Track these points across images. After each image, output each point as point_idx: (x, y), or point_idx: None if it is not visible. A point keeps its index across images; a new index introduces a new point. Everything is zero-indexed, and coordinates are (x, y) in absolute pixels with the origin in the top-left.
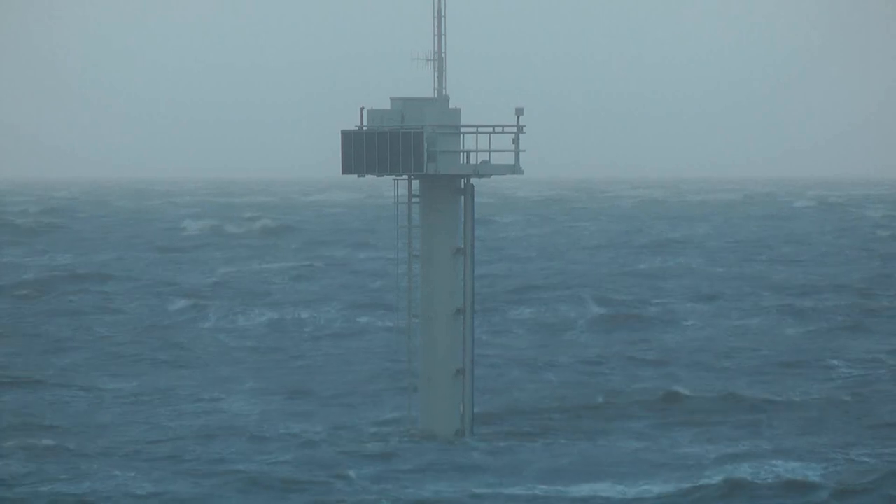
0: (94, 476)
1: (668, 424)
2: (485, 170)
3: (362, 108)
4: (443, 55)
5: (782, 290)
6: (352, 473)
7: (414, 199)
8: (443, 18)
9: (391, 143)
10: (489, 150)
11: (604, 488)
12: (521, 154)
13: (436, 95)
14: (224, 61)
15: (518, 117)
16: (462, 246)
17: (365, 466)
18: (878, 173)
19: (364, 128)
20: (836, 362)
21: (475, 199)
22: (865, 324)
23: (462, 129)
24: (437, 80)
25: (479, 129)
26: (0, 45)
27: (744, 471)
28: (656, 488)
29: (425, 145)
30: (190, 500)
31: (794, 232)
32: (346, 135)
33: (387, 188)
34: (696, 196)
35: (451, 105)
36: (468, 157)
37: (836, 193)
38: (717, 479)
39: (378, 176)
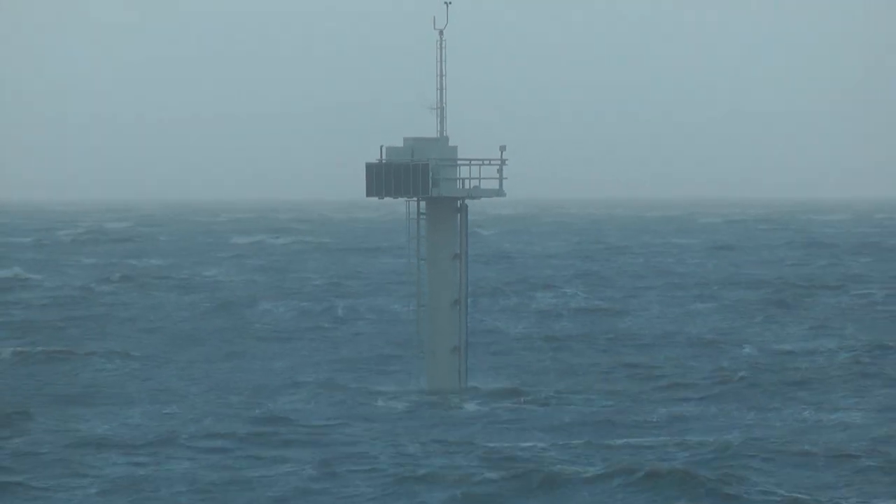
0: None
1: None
2: (476, 193)
3: (381, 146)
4: (444, 105)
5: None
6: (373, 421)
7: (421, 216)
8: (443, 77)
9: (404, 173)
10: (479, 178)
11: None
12: (502, 180)
13: (438, 136)
14: (260, 107)
15: (501, 153)
16: (458, 252)
17: (382, 419)
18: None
19: (383, 161)
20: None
21: (468, 216)
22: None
23: (458, 162)
24: (439, 124)
25: (472, 162)
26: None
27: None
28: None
29: (430, 175)
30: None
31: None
32: (369, 166)
33: (399, 207)
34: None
35: (450, 143)
36: (463, 184)
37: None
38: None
39: (394, 198)
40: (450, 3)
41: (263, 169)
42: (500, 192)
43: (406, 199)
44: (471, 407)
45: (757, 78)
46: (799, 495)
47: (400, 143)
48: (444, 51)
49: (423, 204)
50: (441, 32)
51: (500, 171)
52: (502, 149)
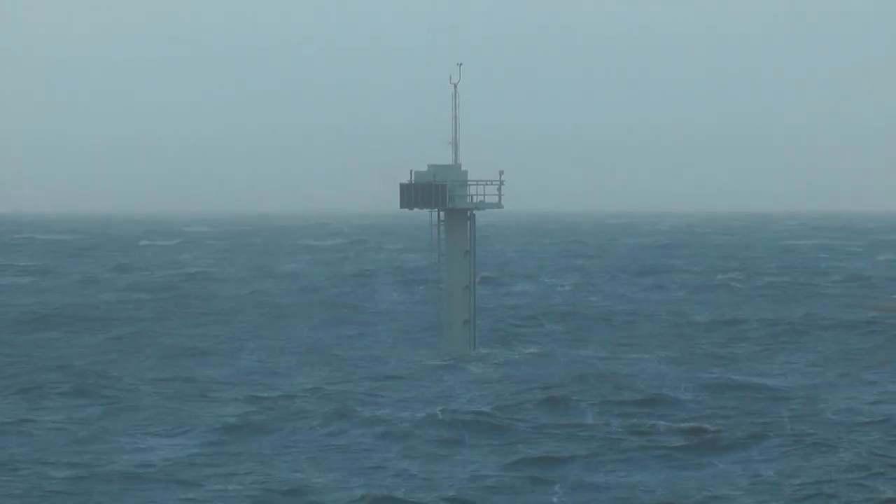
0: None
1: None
2: (481, 206)
3: (411, 171)
4: (457, 140)
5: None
6: (405, 374)
7: (440, 223)
8: (457, 120)
9: (428, 191)
10: (483, 195)
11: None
12: (501, 196)
13: (453, 163)
14: (307, 125)
15: (500, 175)
16: (468, 249)
17: (411, 368)
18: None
19: (412, 182)
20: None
21: (476, 223)
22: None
23: (468, 182)
24: (454, 154)
25: (478, 182)
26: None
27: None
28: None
29: (447, 192)
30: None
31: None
32: (402, 185)
33: (423, 217)
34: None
35: (462, 168)
36: (471, 198)
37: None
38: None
39: (420, 209)
40: (461, 64)
41: (314, 185)
42: (499, 205)
43: (429, 210)
44: (477, 368)
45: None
46: None
47: (425, 168)
48: (457, 100)
49: (441, 214)
50: (455, 86)
51: (499, 189)
52: (501, 173)
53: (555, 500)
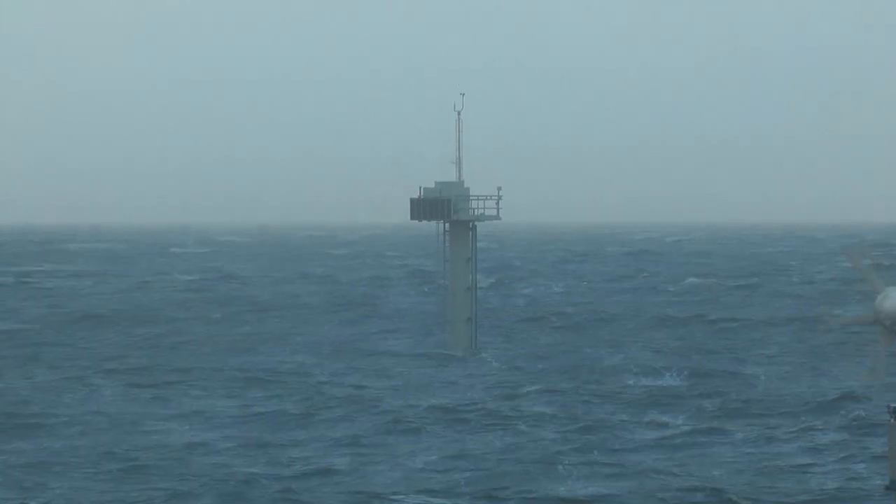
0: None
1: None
2: (481, 218)
3: (420, 187)
4: (461, 160)
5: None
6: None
7: (446, 233)
8: (460, 144)
9: (436, 205)
10: (484, 209)
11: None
12: (499, 210)
13: (457, 181)
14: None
15: (498, 191)
16: (470, 256)
17: (418, 362)
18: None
19: (421, 197)
20: None
21: (477, 233)
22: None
23: (470, 197)
24: (457, 173)
25: (479, 198)
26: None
27: None
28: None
29: (451, 206)
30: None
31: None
32: (413, 200)
33: (430, 227)
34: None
35: (465, 185)
36: (473, 211)
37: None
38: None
39: (429, 221)
40: (464, 94)
41: (332, 198)
42: (497, 217)
43: (436, 221)
44: (476, 362)
45: None
46: None
47: (432, 185)
48: (461, 125)
49: (447, 225)
50: (459, 113)
51: (497, 203)
52: (498, 188)
53: (560, 472)
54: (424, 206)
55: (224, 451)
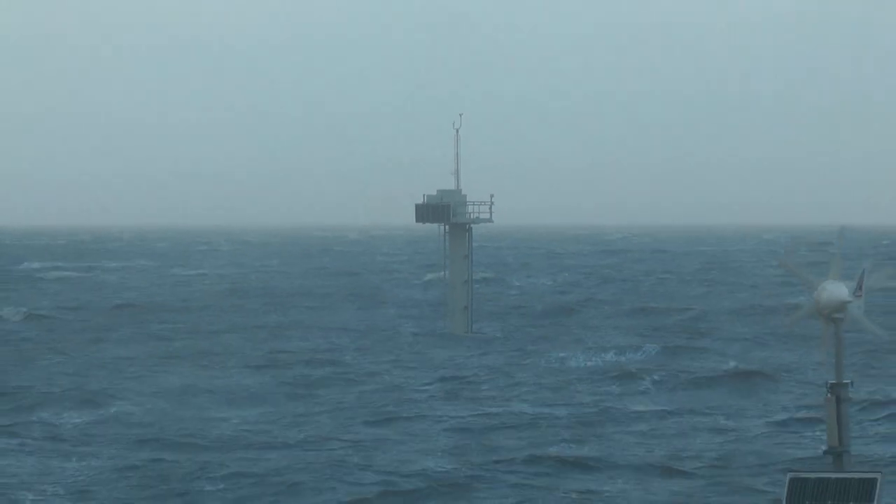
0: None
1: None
2: (476, 221)
3: (424, 194)
4: (459, 171)
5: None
6: (418, 343)
7: (446, 234)
8: (458, 157)
9: (437, 209)
10: (479, 212)
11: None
12: (491, 214)
13: (455, 189)
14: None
15: (490, 198)
16: (467, 254)
17: (426, 342)
18: None
19: (425, 202)
20: None
21: (473, 234)
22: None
23: (467, 203)
24: (456, 182)
25: (474, 203)
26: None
27: None
28: None
29: (451, 211)
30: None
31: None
32: (418, 205)
33: (433, 229)
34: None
35: (463, 192)
36: (469, 215)
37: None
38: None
39: (431, 223)
40: (462, 114)
41: (343, 203)
42: (490, 220)
43: (438, 223)
44: (472, 340)
45: None
46: None
47: (434, 192)
48: (459, 141)
49: (447, 226)
50: (457, 131)
51: (490, 208)
52: (491, 195)
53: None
54: (427, 211)
55: (275, 420)
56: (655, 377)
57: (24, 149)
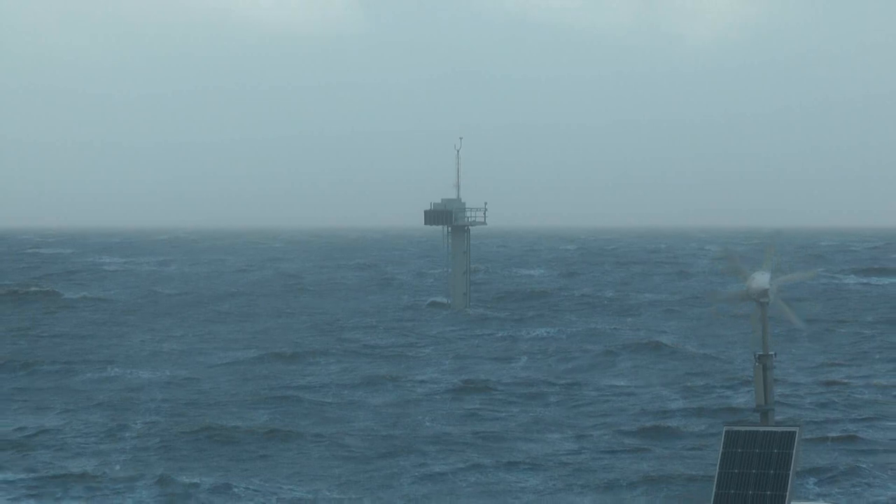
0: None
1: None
2: (472, 224)
3: (430, 203)
4: (459, 184)
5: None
6: (429, 315)
7: (449, 234)
8: (459, 173)
9: (442, 215)
10: (475, 217)
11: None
12: (486, 217)
13: (456, 198)
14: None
15: (485, 205)
16: (465, 250)
17: (428, 316)
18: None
19: (432, 208)
20: None
21: (471, 234)
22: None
23: (466, 209)
24: (457, 192)
25: (472, 209)
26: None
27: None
28: None
29: (453, 216)
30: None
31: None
32: (427, 211)
33: (438, 230)
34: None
35: (462, 201)
36: (467, 219)
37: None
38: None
39: (437, 225)
40: (462, 138)
41: (369, 208)
42: (484, 223)
43: (442, 225)
44: (472, 312)
45: None
46: None
47: (439, 201)
48: (459, 161)
49: (449, 228)
50: (458, 152)
51: (484, 213)
52: (486, 203)
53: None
54: (434, 216)
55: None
56: (610, 345)
57: None
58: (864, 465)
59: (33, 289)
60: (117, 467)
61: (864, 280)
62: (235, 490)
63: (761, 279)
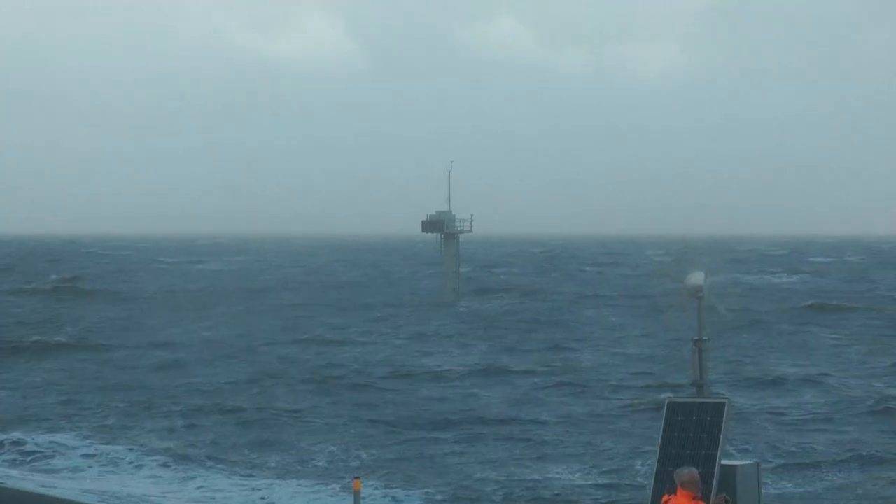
0: None
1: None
2: (461, 231)
3: (427, 214)
4: (450, 200)
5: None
6: (424, 307)
7: (442, 240)
8: (450, 189)
9: (435, 224)
10: (462, 226)
11: None
12: (472, 226)
13: (448, 211)
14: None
15: (471, 216)
16: (455, 254)
17: (430, 308)
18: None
19: (428, 219)
20: None
21: (459, 240)
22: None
23: (455, 220)
24: (448, 206)
25: (460, 220)
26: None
27: None
28: None
29: (444, 225)
30: None
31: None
32: (423, 221)
33: (432, 237)
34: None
35: (453, 213)
36: (456, 228)
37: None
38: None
39: (432, 233)
40: (452, 161)
41: (373, 217)
42: (470, 231)
43: (436, 233)
44: (462, 303)
45: None
46: None
47: (433, 212)
48: (450, 180)
49: (442, 235)
50: (449, 173)
51: (470, 223)
52: (472, 215)
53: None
54: (429, 225)
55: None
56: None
57: None
58: (773, 429)
59: None
60: None
61: (765, 279)
62: None
63: (697, 277)
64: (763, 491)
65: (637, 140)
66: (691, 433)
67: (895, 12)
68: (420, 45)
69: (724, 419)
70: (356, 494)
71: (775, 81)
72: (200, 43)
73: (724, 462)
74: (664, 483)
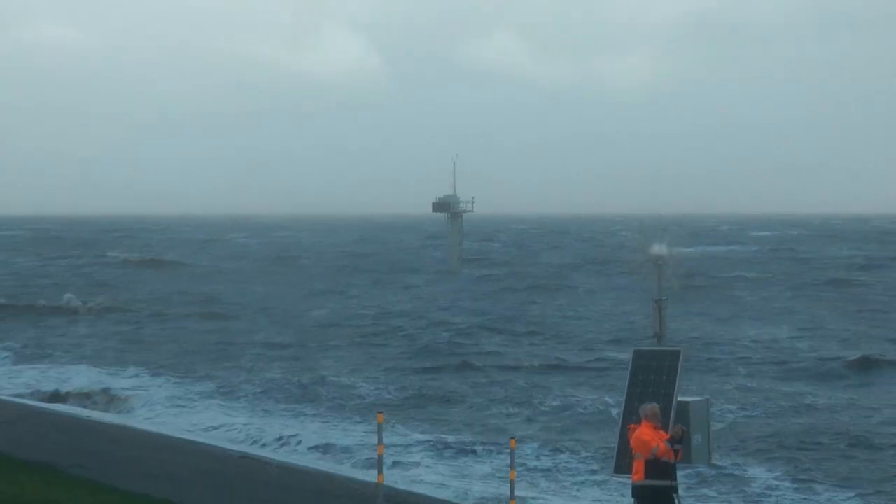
0: None
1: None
2: (465, 211)
3: (437, 197)
4: (455, 186)
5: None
6: (433, 272)
7: (449, 219)
8: (455, 178)
9: (444, 205)
10: (465, 206)
11: None
12: (473, 206)
13: (453, 194)
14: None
15: (472, 199)
16: (460, 230)
17: (438, 275)
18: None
19: (437, 201)
20: None
21: (463, 218)
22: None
23: (460, 202)
24: (454, 190)
25: (464, 202)
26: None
27: None
28: None
29: (451, 206)
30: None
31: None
32: (433, 203)
33: (441, 216)
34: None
35: (458, 196)
36: (460, 208)
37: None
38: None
39: (440, 213)
40: (457, 155)
41: (391, 198)
42: (472, 211)
43: (444, 213)
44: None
45: None
46: None
47: (442, 195)
48: (455, 170)
49: (449, 214)
50: (454, 164)
51: (471, 204)
52: (472, 199)
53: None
54: (438, 206)
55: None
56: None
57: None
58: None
59: None
60: None
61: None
62: None
63: (659, 248)
64: (710, 422)
65: (621, 143)
66: (653, 375)
67: (844, 26)
68: (431, 58)
69: (679, 364)
70: (379, 426)
71: (758, 90)
72: (246, 60)
73: (679, 398)
74: (631, 416)
